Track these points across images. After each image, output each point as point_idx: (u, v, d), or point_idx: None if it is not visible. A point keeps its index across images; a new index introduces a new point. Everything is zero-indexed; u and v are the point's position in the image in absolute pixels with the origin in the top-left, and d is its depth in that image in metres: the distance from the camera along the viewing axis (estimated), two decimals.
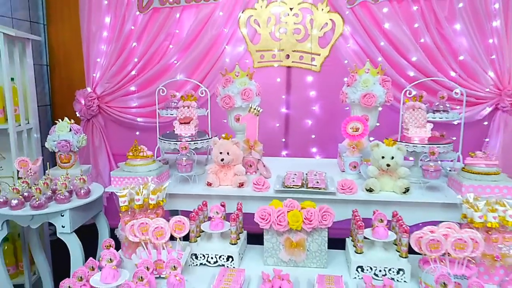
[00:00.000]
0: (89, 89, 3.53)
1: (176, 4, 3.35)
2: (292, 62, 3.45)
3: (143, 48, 3.43)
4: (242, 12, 3.36)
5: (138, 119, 3.50)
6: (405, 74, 3.22)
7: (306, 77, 3.47)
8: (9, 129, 2.35)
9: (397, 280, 1.58)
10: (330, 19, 3.32)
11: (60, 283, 1.40)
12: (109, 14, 3.46)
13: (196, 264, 1.71)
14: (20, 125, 2.47)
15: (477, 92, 3.20)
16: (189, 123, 2.20)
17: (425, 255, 1.47)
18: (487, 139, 3.30)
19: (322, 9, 3.31)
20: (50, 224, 2.01)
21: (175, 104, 2.51)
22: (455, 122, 3.24)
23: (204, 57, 3.43)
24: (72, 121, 2.26)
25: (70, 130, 2.18)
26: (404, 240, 1.56)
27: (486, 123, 3.29)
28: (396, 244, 1.67)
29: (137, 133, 3.53)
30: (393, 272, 1.58)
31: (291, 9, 3.34)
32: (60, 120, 2.24)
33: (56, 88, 3.82)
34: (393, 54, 3.22)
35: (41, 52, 3.68)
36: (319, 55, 3.40)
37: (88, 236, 2.22)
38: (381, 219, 1.65)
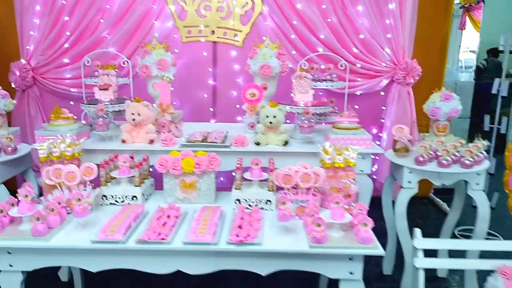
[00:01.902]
0: (23, 61, 3.70)
1: None
2: (217, 37, 3.78)
3: (75, 22, 3.63)
4: None
5: (72, 90, 3.72)
6: (315, 49, 3.64)
7: (230, 51, 3.81)
8: None
9: (266, 209, 2.00)
10: None
11: None
12: None
13: (107, 204, 2.06)
14: None
15: (376, 66, 3.68)
16: (107, 89, 2.50)
17: (282, 187, 1.90)
18: (384, 107, 3.83)
19: None
20: None
21: (98, 73, 2.79)
22: (358, 93, 3.76)
23: (134, 31, 3.69)
24: (0, 87, 2.50)
25: None
26: (271, 177, 1.98)
27: (383, 93, 3.80)
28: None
29: (71, 102, 3.75)
30: (263, 202, 2.01)
31: None
32: None
33: None
34: (305, 32, 3.63)
35: None
36: (241, 31, 3.75)
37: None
38: (256, 163, 2.06)
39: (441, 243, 1.85)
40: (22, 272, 1.74)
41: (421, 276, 1.79)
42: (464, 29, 7.78)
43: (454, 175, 2.19)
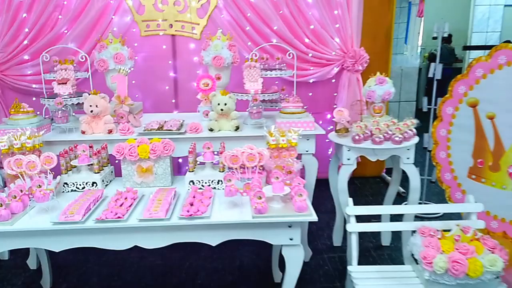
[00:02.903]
0: None
1: None
2: (175, 31, 3.91)
3: (34, 18, 3.68)
4: None
5: (33, 86, 3.78)
6: (269, 40, 3.82)
7: (189, 44, 3.95)
8: None
9: (218, 188, 2.19)
10: None
11: None
12: None
13: (68, 191, 2.20)
14: None
15: (326, 55, 3.91)
16: (65, 83, 2.61)
17: (230, 167, 2.09)
18: (336, 94, 4.08)
19: None
20: None
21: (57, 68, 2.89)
22: (311, 81, 3.99)
23: (93, 27, 3.77)
24: None
25: None
26: (221, 159, 2.17)
27: (334, 80, 4.05)
28: None
29: (34, 98, 3.80)
30: (215, 182, 2.20)
31: None
32: None
33: None
34: (259, 24, 3.82)
35: None
36: (198, 24, 3.90)
37: None
38: (208, 147, 2.24)
39: (369, 209, 2.11)
40: None
41: (354, 239, 2.03)
42: (422, 16, 8.16)
43: (386, 151, 2.44)
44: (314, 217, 1.84)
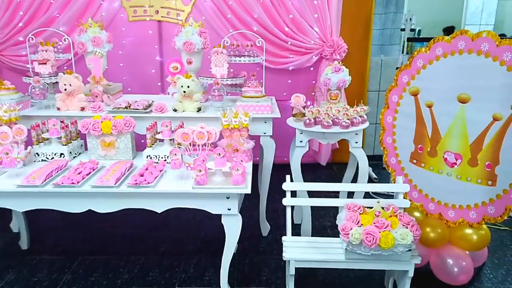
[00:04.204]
0: None
1: None
2: (162, 17, 4.10)
3: (28, 2, 3.91)
4: None
5: (27, 66, 4.02)
6: (250, 28, 3.98)
7: (174, 30, 4.10)
8: None
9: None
10: None
11: None
12: None
13: (38, 161, 2.43)
14: None
15: (305, 44, 4.05)
16: (45, 63, 2.84)
17: (179, 144, 2.29)
18: (314, 82, 4.22)
19: None
20: None
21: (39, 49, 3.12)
22: (290, 68, 4.14)
23: (83, 11, 3.98)
24: None
25: None
26: (174, 136, 2.37)
27: (312, 69, 4.18)
28: None
29: None
30: (170, 158, 2.40)
31: None
32: None
33: None
34: (240, 12, 3.97)
35: None
36: (183, 11, 4.07)
37: None
38: (166, 125, 2.45)
39: (302, 186, 2.29)
40: None
41: (288, 212, 2.22)
42: None
43: (335, 135, 2.60)
44: (247, 190, 2.03)
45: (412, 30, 3.54)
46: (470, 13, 5.85)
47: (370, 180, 4.09)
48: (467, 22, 5.95)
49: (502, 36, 5.97)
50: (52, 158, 2.44)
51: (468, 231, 2.33)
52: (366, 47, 4.28)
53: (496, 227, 3.10)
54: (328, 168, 4.47)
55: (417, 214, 2.55)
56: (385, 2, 6.77)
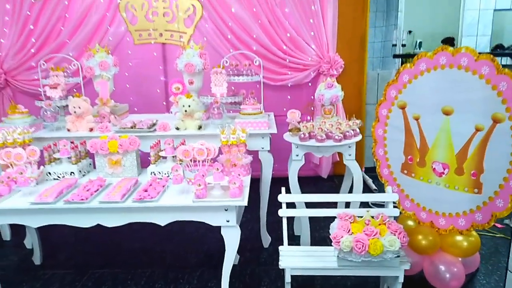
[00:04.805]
0: None
1: None
2: (165, 39, 4.31)
3: (39, 30, 4.16)
4: None
5: (39, 89, 4.24)
6: (249, 47, 4.16)
7: (178, 51, 4.32)
8: None
9: None
10: (192, 5, 4.19)
11: None
12: (8, 1, 4.12)
13: (51, 179, 2.60)
14: None
15: (303, 61, 4.22)
16: (56, 87, 3.03)
17: (181, 160, 2.44)
18: (313, 97, 4.36)
19: None
20: None
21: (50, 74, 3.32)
22: (289, 85, 4.30)
23: (91, 36, 4.21)
24: None
25: None
26: (176, 153, 2.52)
27: (310, 84, 4.33)
28: None
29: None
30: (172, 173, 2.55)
31: None
32: None
33: None
34: (239, 32, 4.16)
35: None
36: (185, 33, 4.28)
37: None
38: (169, 143, 2.60)
39: (297, 197, 2.42)
40: None
41: (284, 222, 2.34)
42: None
43: (329, 148, 2.73)
44: (244, 202, 2.17)
45: (403, 45, 3.67)
46: (466, 25, 5.99)
47: (370, 191, 4.19)
48: (464, 34, 6.10)
49: (499, 46, 6.07)
50: (63, 176, 2.60)
51: (459, 238, 2.43)
52: (362, 62, 4.42)
53: (492, 234, 3.17)
54: (329, 180, 4.57)
55: (410, 222, 2.65)
56: (385, 16, 6.95)
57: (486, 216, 2.27)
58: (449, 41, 7.97)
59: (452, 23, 6.21)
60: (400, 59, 5.72)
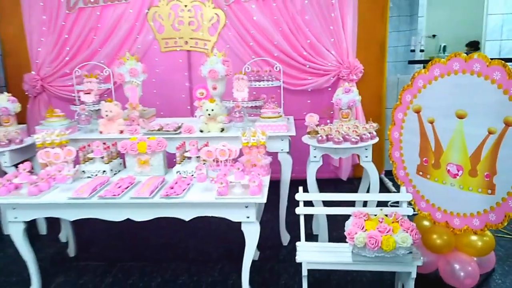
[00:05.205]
0: (33, 73, 4.53)
1: (96, 4, 4.36)
2: (190, 47, 4.51)
3: (73, 39, 4.44)
4: (148, 9, 4.39)
5: (73, 95, 4.51)
6: (271, 54, 4.31)
7: (202, 58, 4.52)
8: None
9: None
10: (216, 14, 4.38)
11: None
12: (45, 13, 4.42)
13: (85, 177, 2.81)
14: None
15: (323, 66, 4.33)
16: (90, 93, 3.26)
17: (204, 160, 2.60)
18: (332, 101, 4.45)
19: (208, 6, 4.36)
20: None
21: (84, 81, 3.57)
22: (309, 89, 4.42)
23: (122, 45, 4.46)
24: (10, 94, 3.30)
25: (8, 100, 3.22)
26: (200, 154, 2.69)
27: (330, 89, 4.44)
28: None
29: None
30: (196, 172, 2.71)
31: (185, 6, 4.39)
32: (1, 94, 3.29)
33: (9, 73, 4.79)
34: (261, 39, 4.32)
35: None
36: (209, 41, 4.47)
37: None
38: (193, 144, 2.77)
39: (314, 196, 2.53)
40: (23, 222, 2.50)
41: (302, 220, 2.46)
42: None
43: (347, 150, 2.84)
44: (263, 200, 2.31)
45: (422, 50, 3.73)
46: (490, 29, 5.96)
47: (389, 192, 4.25)
48: (487, 38, 6.05)
49: None
50: (96, 175, 2.80)
51: (473, 237, 2.49)
52: (382, 67, 4.49)
53: (510, 236, 3.19)
54: (349, 183, 4.65)
55: (426, 222, 2.72)
56: (409, 20, 6.98)
57: (499, 216, 2.33)
58: (474, 45, 7.91)
59: (476, 27, 6.17)
60: (422, 65, 5.74)
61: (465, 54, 2.36)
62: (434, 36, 6.90)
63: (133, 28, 4.42)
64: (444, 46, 7.07)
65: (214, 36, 4.45)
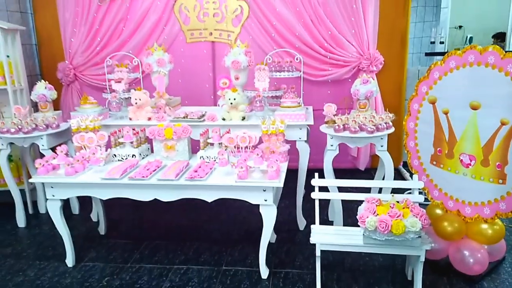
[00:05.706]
0: (67, 62, 4.79)
1: None
2: (214, 38, 4.66)
3: (104, 30, 4.65)
4: (175, 1, 4.55)
5: (103, 83, 4.75)
6: (292, 45, 4.41)
7: (226, 49, 4.67)
8: (8, 89, 3.64)
9: None
10: (239, 5, 4.51)
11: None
12: (78, 5, 4.65)
13: (116, 160, 3.02)
14: (15, 86, 3.75)
15: (343, 58, 4.41)
16: (120, 82, 3.47)
17: (226, 146, 2.76)
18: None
19: None
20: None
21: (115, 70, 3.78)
22: (329, 80, 4.51)
23: (149, 35, 4.65)
24: (47, 82, 3.55)
25: (45, 88, 3.47)
26: (222, 140, 2.85)
27: (350, 80, 4.50)
28: None
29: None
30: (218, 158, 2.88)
31: None
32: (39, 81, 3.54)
33: (43, 62, 5.07)
34: (283, 31, 4.42)
35: (30, 35, 4.90)
36: (233, 32, 4.61)
37: None
38: (216, 131, 2.94)
39: (330, 182, 2.66)
40: (60, 200, 2.74)
41: (317, 204, 2.60)
42: None
43: (363, 139, 2.94)
44: (280, 184, 2.46)
45: (442, 42, 3.76)
46: None
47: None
48: None
49: None
50: (126, 158, 3.02)
51: (484, 226, 2.56)
52: (403, 58, 4.53)
53: None
54: (366, 173, 4.74)
55: (438, 211, 2.81)
56: (434, 11, 6.92)
57: (509, 205, 2.40)
58: (501, 36, 7.75)
59: (503, 19, 6.06)
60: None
61: (480, 47, 2.42)
62: (460, 27, 6.81)
63: (160, 19, 4.59)
64: (471, 38, 6.97)
65: (237, 28, 4.58)
